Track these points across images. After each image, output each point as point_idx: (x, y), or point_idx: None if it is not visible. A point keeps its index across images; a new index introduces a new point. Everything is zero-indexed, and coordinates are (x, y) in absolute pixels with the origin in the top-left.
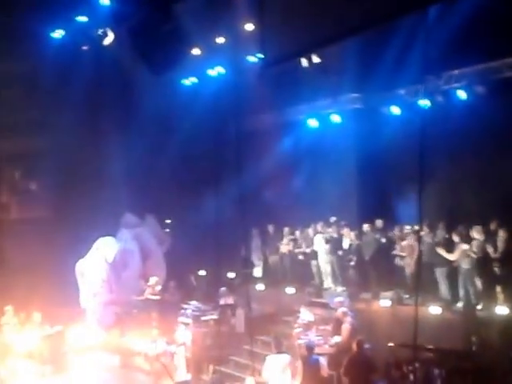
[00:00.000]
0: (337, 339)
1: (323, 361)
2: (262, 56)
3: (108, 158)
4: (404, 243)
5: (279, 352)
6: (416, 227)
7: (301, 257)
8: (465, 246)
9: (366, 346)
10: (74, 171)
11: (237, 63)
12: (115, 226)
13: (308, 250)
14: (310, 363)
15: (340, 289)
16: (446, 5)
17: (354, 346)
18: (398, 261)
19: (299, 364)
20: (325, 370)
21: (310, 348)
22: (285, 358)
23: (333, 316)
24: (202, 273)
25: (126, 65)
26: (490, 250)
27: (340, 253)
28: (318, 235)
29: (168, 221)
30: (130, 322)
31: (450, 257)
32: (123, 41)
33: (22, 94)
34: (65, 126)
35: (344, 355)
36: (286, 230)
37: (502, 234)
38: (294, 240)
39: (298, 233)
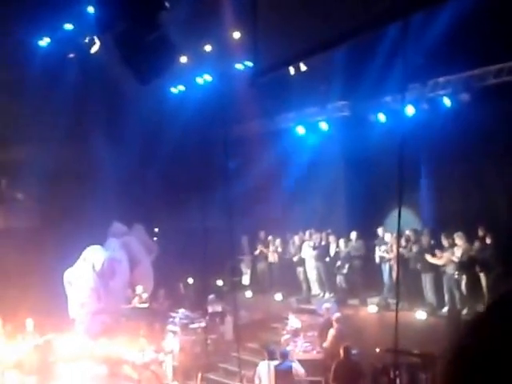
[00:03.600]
0: (324, 345)
1: (299, 367)
2: (251, 64)
3: (96, 166)
4: (390, 249)
5: (271, 359)
6: (407, 232)
7: (288, 264)
8: (451, 252)
9: (354, 351)
10: (61, 180)
11: (224, 71)
12: (103, 235)
13: (295, 258)
14: (282, 369)
15: (327, 295)
16: (431, 13)
17: (342, 352)
18: (384, 267)
19: (272, 370)
20: (300, 377)
21: (283, 355)
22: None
23: (320, 322)
24: (190, 281)
25: (113, 72)
26: (474, 255)
27: (327, 260)
28: (305, 242)
29: (156, 229)
30: (118, 330)
31: (438, 262)
32: (110, 48)
33: (7, 103)
34: (51, 134)
35: (331, 361)
36: (274, 237)
37: (487, 240)
38: (282, 247)
39: (284, 240)
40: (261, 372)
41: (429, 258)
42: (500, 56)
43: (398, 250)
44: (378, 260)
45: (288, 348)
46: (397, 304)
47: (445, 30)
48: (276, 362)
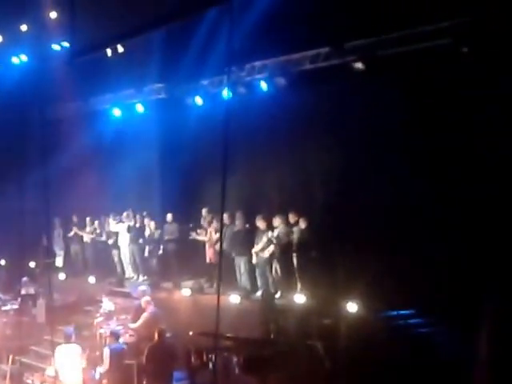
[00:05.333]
0: (132, 325)
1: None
2: (68, 45)
3: None
4: (206, 231)
5: (67, 342)
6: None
7: (102, 246)
8: (267, 236)
9: (168, 334)
10: None
11: (41, 51)
12: None
13: (110, 240)
14: (115, 351)
15: (141, 278)
16: None
17: (156, 335)
18: (198, 250)
19: (105, 352)
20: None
21: (115, 335)
22: (75, 348)
23: (134, 305)
24: (2, 262)
25: None
26: (289, 239)
27: (141, 242)
28: (119, 224)
29: None
30: None
31: (255, 248)
32: None
33: None
34: None
35: (145, 344)
36: (88, 219)
37: (300, 224)
38: (96, 229)
39: (99, 222)
40: (59, 354)
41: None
42: (317, 41)
43: (221, 234)
44: (191, 242)
45: (101, 331)
46: (218, 287)
47: (263, 13)
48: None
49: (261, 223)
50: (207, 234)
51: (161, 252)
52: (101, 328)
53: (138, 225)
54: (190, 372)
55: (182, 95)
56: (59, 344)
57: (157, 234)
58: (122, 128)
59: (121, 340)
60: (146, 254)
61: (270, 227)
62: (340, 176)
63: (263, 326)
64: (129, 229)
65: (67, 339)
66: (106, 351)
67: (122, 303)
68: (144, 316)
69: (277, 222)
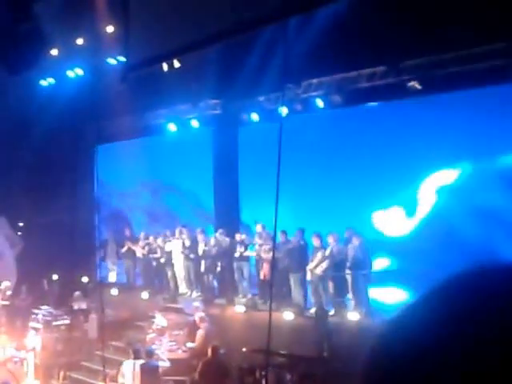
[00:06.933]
0: (190, 345)
1: (164, 367)
2: (124, 59)
3: None
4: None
5: (136, 358)
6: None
7: (155, 262)
8: (321, 253)
9: (221, 351)
10: None
11: (96, 65)
12: None
13: (163, 255)
14: (148, 368)
15: (195, 294)
16: (306, 16)
17: (209, 352)
18: (251, 267)
19: (138, 369)
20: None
21: (149, 353)
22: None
23: (188, 321)
24: (55, 277)
25: None
26: (342, 256)
27: (195, 258)
28: (173, 240)
29: (20, 223)
30: None
31: (309, 266)
32: None
33: None
34: None
35: (197, 360)
36: (142, 234)
37: (354, 241)
38: (149, 245)
39: (152, 238)
40: (125, 371)
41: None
42: (372, 60)
43: (273, 250)
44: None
45: (153, 347)
46: (270, 304)
47: (319, 32)
48: (141, 361)
49: (315, 240)
50: (262, 251)
51: (215, 268)
52: (153, 344)
53: (191, 241)
54: None
55: (237, 111)
56: (110, 359)
57: (214, 250)
58: (177, 143)
59: (164, 356)
60: (202, 269)
61: (325, 244)
62: None
63: (316, 343)
64: (182, 244)
65: (136, 355)
66: (138, 368)
67: (174, 319)
68: (200, 333)
69: (331, 239)
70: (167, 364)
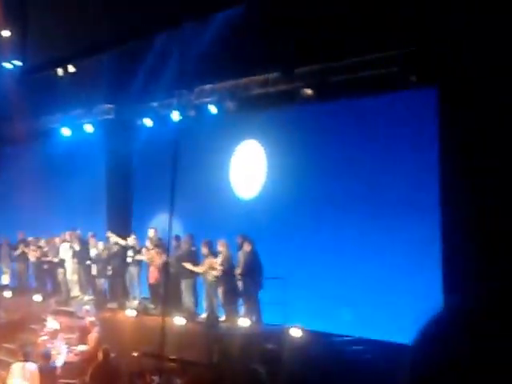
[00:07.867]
0: (82, 348)
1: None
2: (20, 63)
3: None
4: (149, 252)
5: (26, 360)
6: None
7: (48, 265)
8: (211, 259)
9: (112, 355)
10: None
11: None
12: None
13: (55, 259)
14: (47, 371)
15: (87, 298)
16: (200, 22)
17: (100, 355)
18: (142, 271)
19: (36, 372)
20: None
21: (46, 355)
22: (30, 366)
23: (80, 324)
24: None
25: None
26: (233, 263)
27: (87, 262)
28: (64, 244)
29: None
30: None
31: (198, 269)
32: None
33: None
34: None
35: (88, 364)
36: (34, 238)
37: (245, 248)
38: (41, 248)
39: (44, 241)
40: (14, 373)
41: (188, 265)
42: (265, 67)
43: (167, 255)
44: (136, 263)
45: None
46: (163, 309)
47: (213, 38)
48: (33, 364)
49: (203, 247)
50: (152, 255)
51: (107, 272)
52: (45, 347)
53: (83, 245)
54: None
55: (131, 116)
56: (3, 361)
57: (105, 253)
58: (70, 147)
59: (61, 358)
60: (94, 272)
61: (214, 250)
62: None
63: (207, 348)
64: (74, 248)
65: (25, 357)
66: (37, 371)
67: (66, 322)
68: (91, 337)
69: (221, 245)
70: (60, 366)
